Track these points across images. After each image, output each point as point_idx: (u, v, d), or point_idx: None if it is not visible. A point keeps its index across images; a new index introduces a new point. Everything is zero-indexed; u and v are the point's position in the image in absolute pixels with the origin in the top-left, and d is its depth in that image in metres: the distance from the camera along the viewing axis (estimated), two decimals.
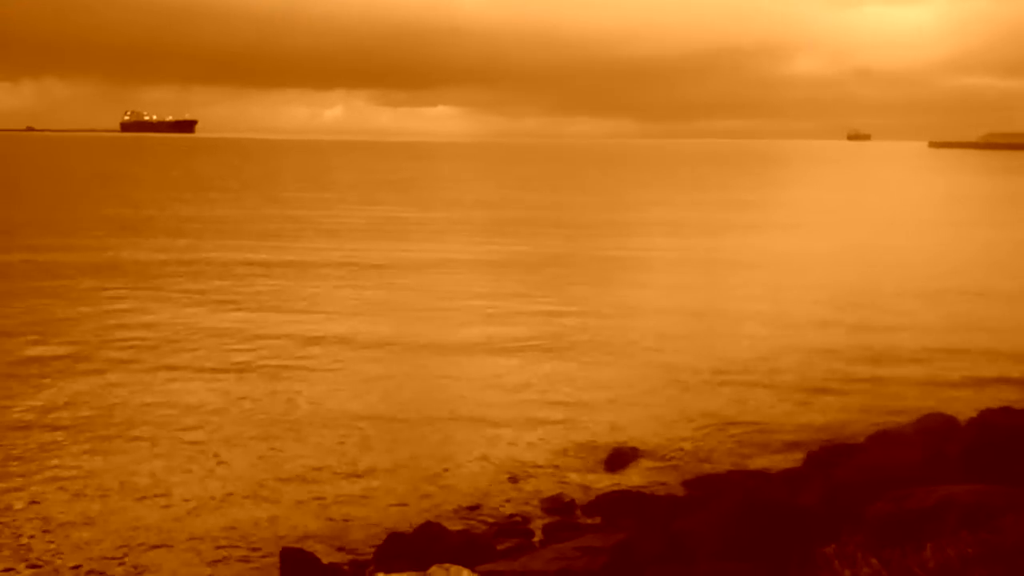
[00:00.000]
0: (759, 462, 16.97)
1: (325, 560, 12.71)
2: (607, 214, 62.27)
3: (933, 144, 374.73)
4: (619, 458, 17.37)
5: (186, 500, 15.26)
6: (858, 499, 10.98)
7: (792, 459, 16.90)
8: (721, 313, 29.19)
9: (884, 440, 15.76)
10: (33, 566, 13.12)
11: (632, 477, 16.56)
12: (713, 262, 39.33)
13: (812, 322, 28.20)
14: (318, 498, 15.43)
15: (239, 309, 28.97)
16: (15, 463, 16.74)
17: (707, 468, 16.77)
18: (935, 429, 16.05)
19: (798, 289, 34.05)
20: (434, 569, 8.26)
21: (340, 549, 13.59)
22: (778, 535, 9.82)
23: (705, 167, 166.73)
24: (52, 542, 13.85)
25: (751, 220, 58.31)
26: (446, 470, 16.68)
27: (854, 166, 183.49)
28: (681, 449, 17.87)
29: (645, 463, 17.23)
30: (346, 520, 14.63)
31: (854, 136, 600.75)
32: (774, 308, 30.22)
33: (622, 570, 9.97)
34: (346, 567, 12.67)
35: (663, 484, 16.12)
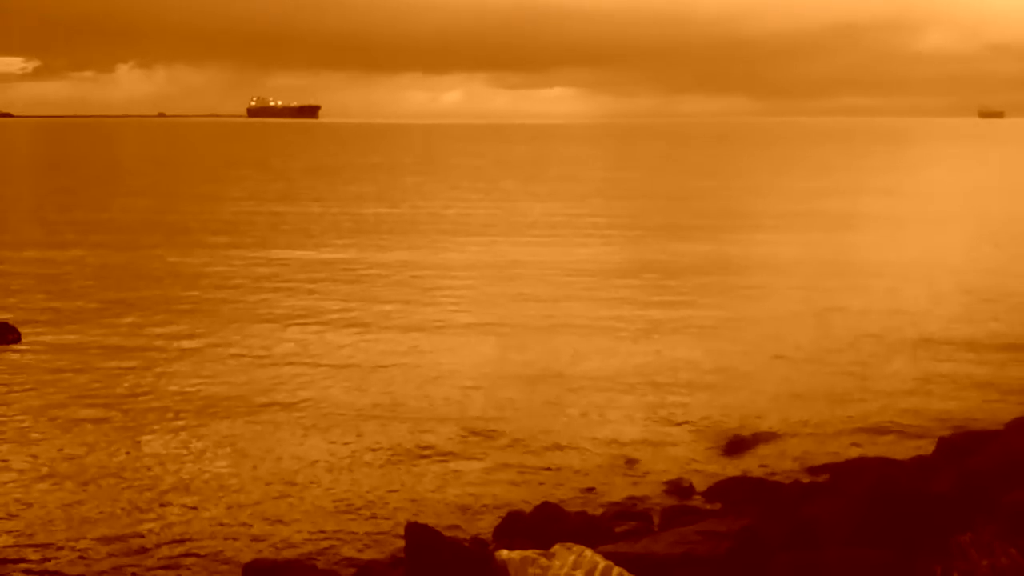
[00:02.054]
0: (887, 450, 16.51)
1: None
2: (730, 203, 60.85)
3: None
4: (740, 444, 17.11)
5: (310, 473, 15.71)
6: (993, 487, 10.62)
7: (922, 447, 16.40)
8: (849, 306, 28.31)
9: (1021, 428, 15.15)
10: (158, 520, 13.87)
11: (753, 463, 16.30)
12: (844, 259, 37.92)
13: (944, 312, 27.27)
14: (437, 476, 15.68)
15: (365, 305, 29.33)
16: (157, 428, 17.54)
17: (832, 455, 16.40)
18: None
19: (927, 278, 32.92)
20: (557, 548, 8.31)
21: (459, 526, 13.78)
22: (910, 522, 9.56)
23: (828, 147, 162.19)
24: (186, 499, 14.60)
25: (885, 210, 55.95)
26: (563, 453, 16.72)
27: (988, 146, 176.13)
28: (805, 436, 17.52)
29: (767, 450, 16.95)
30: (464, 498, 14.83)
31: (986, 113, 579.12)
32: (903, 299, 29.25)
33: (747, 555, 9.82)
34: (466, 543, 12.81)
35: (786, 470, 15.84)
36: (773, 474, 15.60)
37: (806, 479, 15.11)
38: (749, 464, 16.24)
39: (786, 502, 12.77)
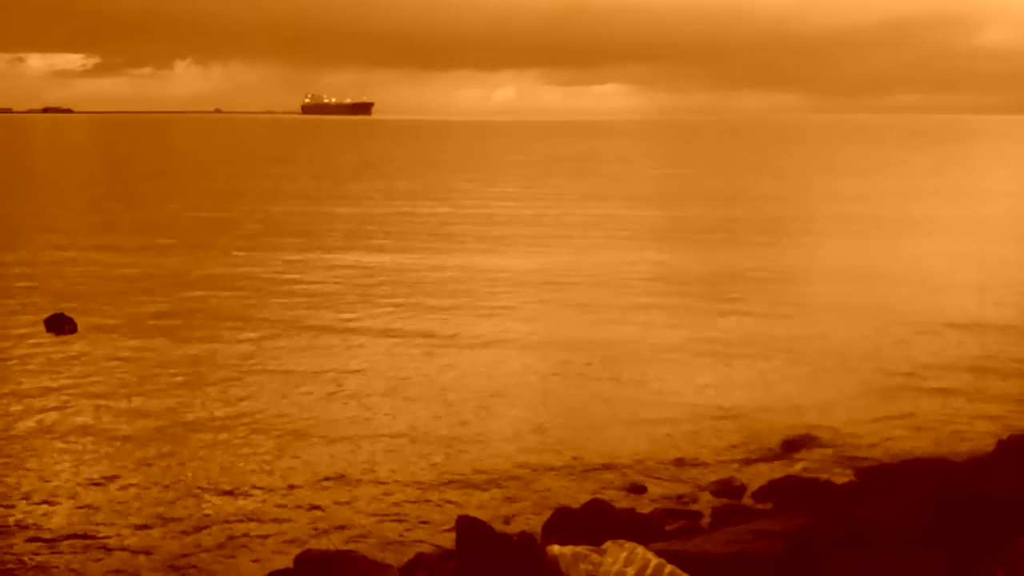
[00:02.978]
0: (943, 452, 16.23)
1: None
2: (785, 203, 59.86)
3: None
4: (792, 444, 16.92)
5: (362, 466, 15.85)
6: None
7: (980, 449, 16.11)
8: (901, 308, 27.83)
9: None
10: (211, 507, 14.01)
11: (806, 463, 16.12)
12: (897, 262, 37.16)
13: (998, 316, 26.69)
14: (486, 471, 15.71)
15: (408, 311, 29.32)
16: (209, 419, 17.81)
17: (885, 457, 16.17)
18: None
19: (981, 282, 32.28)
20: (609, 544, 8.26)
21: (507, 520, 13.79)
22: (969, 523, 9.37)
23: (883, 145, 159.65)
24: (238, 488, 14.79)
25: (940, 212, 54.78)
26: (612, 451, 16.66)
27: None
28: (858, 437, 17.30)
29: (819, 450, 16.76)
30: (512, 493, 14.85)
31: None
32: (956, 303, 28.70)
33: (801, 555, 9.71)
34: (515, 538, 12.80)
35: (839, 471, 15.65)
36: (826, 474, 15.42)
37: (860, 479, 14.90)
38: (801, 464, 16.07)
39: (840, 502, 12.60)
